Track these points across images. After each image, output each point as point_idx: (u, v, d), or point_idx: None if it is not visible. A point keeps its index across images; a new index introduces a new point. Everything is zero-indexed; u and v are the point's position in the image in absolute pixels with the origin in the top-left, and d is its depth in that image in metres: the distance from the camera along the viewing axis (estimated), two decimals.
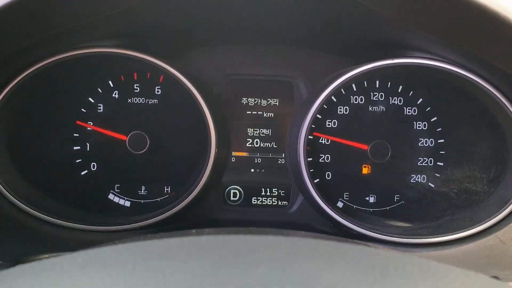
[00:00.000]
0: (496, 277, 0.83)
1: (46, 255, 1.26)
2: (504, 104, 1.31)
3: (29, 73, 1.39)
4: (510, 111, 1.31)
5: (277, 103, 1.71)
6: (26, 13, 1.11)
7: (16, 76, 1.39)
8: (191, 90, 1.49)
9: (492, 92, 1.32)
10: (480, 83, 1.33)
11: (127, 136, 1.60)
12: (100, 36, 1.45)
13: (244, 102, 1.71)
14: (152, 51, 1.50)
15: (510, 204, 1.32)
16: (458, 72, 1.34)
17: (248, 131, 1.71)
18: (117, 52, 1.46)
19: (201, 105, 1.49)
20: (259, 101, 1.71)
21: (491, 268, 1.17)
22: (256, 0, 1.34)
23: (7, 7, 1.04)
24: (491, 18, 0.99)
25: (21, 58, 1.36)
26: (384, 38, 1.42)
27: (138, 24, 1.44)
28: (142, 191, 1.68)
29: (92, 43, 1.45)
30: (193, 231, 0.91)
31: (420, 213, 1.59)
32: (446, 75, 1.38)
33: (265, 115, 1.71)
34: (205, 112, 1.50)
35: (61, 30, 1.27)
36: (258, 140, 1.71)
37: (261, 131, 1.71)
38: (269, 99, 1.71)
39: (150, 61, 1.47)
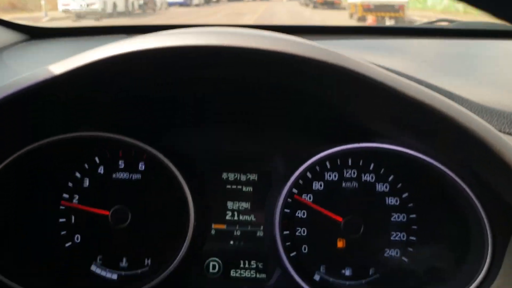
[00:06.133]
0: None
1: None
2: (463, 188, 1.39)
3: (17, 155, 1.49)
4: (469, 195, 1.38)
5: (256, 178, 1.79)
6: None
7: (10, 155, 1.48)
8: (170, 167, 1.59)
9: (455, 180, 1.40)
10: (442, 169, 1.41)
11: (109, 210, 1.67)
12: (86, 120, 1.57)
13: (224, 177, 1.79)
14: (135, 132, 1.61)
15: (473, 282, 1.37)
16: (419, 157, 1.43)
17: (228, 204, 1.78)
18: (103, 135, 1.58)
19: (180, 182, 1.59)
20: (238, 176, 1.79)
21: None
22: (233, 87, 1.46)
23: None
24: (429, 113, 1.09)
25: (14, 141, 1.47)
26: (353, 125, 1.53)
27: (121, 108, 1.56)
28: (124, 263, 1.72)
29: (79, 127, 1.57)
30: None
31: None
32: (410, 159, 1.47)
33: (244, 189, 1.78)
34: (184, 188, 1.59)
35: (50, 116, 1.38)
36: (237, 212, 1.78)
37: (240, 204, 1.78)
38: (248, 174, 1.79)
39: (132, 142, 1.57)
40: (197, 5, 42.81)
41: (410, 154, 1.43)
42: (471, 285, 1.37)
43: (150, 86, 1.38)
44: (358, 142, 1.50)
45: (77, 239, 1.73)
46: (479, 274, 1.37)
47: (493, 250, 1.36)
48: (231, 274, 1.75)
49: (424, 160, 1.42)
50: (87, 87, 1.26)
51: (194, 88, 1.47)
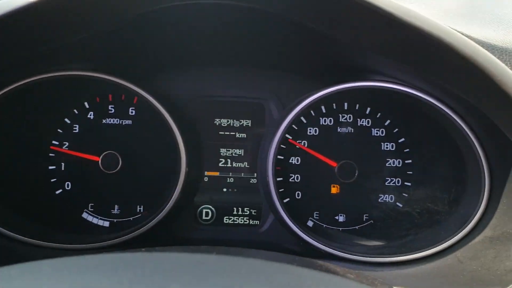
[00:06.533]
0: None
1: None
2: (461, 125, 1.35)
3: (5, 92, 1.44)
4: (467, 133, 1.35)
5: (249, 124, 1.75)
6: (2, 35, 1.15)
7: None
8: (161, 112, 1.54)
9: (449, 114, 1.37)
10: (437, 105, 1.37)
11: (100, 156, 1.63)
12: (76, 59, 1.50)
13: (217, 123, 1.75)
14: (126, 73, 1.55)
15: (468, 224, 1.36)
16: (415, 94, 1.39)
17: (221, 151, 1.75)
18: (92, 76, 1.51)
19: (171, 127, 1.54)
20: (231, 122, 1.75)
21: (447, 287, 1.19)
22: (226, 25, 1.39)
23: None
24: (433, 42, 1.04)
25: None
26: (348, 62, 1.48)
27: (112, 48, 1.49)
28: (116, 210, 1.70)
29: (68, 65, 1.50)
30: (143, 249, 0.94)
31: (387, 233, 1.62)
32: (406, 97, 1.43)
33: (237, 135, 1.75)
34: (175, 134, 1.55)
35: (38, 52, 1.31)
36: (231, 160, 1.75)
37: (234, 151, 1.75)
38: (241, 120, 1.75)
39: (123, 84, 1.52)
40: None
41: (407, 92, 1.39)
42: (467, 225, 1.36)
43: (143, 21, 1.31)
44: (354, 82, 1.45)
45: (68, 186, 1.70)
46: (475, 214, 1.35)
47: (490, 188, 1.34)
48: (224, 221, 1.74)
49: (420, 98, 1.38)
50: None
51: (186, 26, 1.40)
